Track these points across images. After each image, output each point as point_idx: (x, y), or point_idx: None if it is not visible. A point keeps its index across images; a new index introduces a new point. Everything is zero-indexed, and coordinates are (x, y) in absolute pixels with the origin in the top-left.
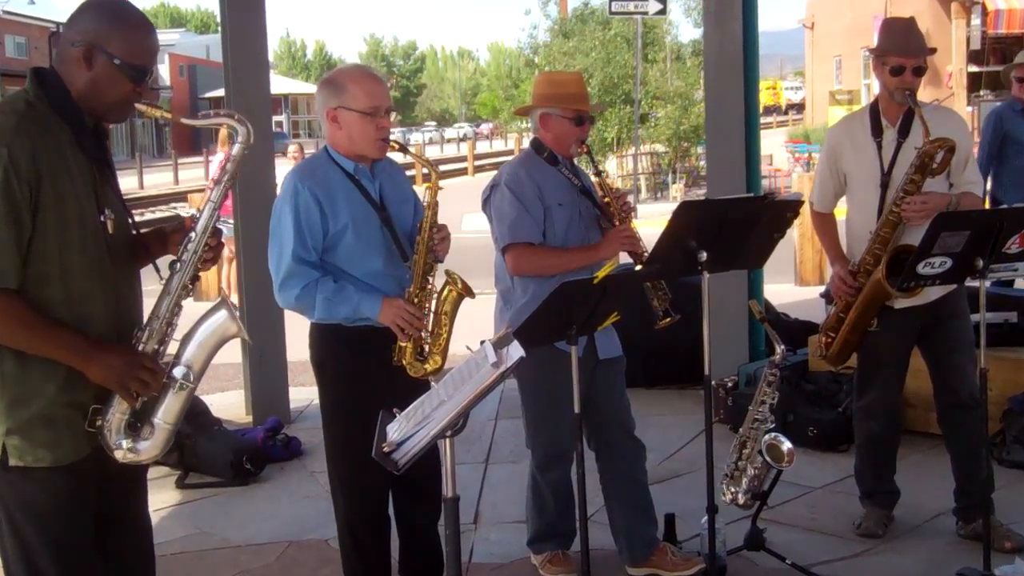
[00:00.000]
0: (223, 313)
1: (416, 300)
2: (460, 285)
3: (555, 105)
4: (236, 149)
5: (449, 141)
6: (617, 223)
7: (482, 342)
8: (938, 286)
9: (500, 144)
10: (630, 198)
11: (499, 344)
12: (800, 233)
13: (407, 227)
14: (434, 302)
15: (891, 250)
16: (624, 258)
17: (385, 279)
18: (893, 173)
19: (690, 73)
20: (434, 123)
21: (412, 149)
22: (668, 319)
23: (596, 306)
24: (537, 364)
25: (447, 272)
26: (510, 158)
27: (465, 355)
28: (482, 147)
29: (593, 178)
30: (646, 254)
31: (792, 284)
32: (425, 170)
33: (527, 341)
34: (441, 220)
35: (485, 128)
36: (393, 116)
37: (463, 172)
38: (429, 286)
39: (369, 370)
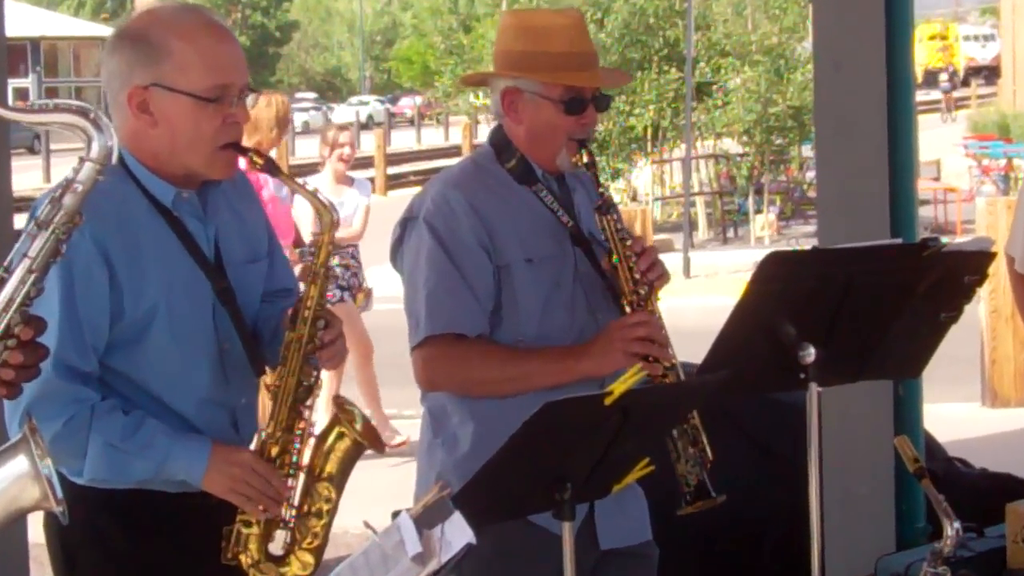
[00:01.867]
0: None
1: (275, 452)
2: (360, 427)
3: (530, 74)
4: (84, 172)
5: (342, 129)
6: (627, 308)
7: (395, 514)
8: None
9: (437, 135)
10: (676, 241)
11: (426, 518)
12: (992, 311)
13: (255, 305)
14: (308, 454)
15: None
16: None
17: (214, 410)
18: None
19: (789, 9)
20: (313, 95)
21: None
22: (699, 503)
23: (610, 447)
24: (495, 556)
25: (338, 401)
26: (451, 164)
27: (365, 537)
28: (403, 141)
29: (596, 217)
30: (675, 368)
31: (979, 405)
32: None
33: (479, 514)
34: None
35: (408, 105)
36: (252, 99)
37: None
38: (301, 425)
39: (167, 570)
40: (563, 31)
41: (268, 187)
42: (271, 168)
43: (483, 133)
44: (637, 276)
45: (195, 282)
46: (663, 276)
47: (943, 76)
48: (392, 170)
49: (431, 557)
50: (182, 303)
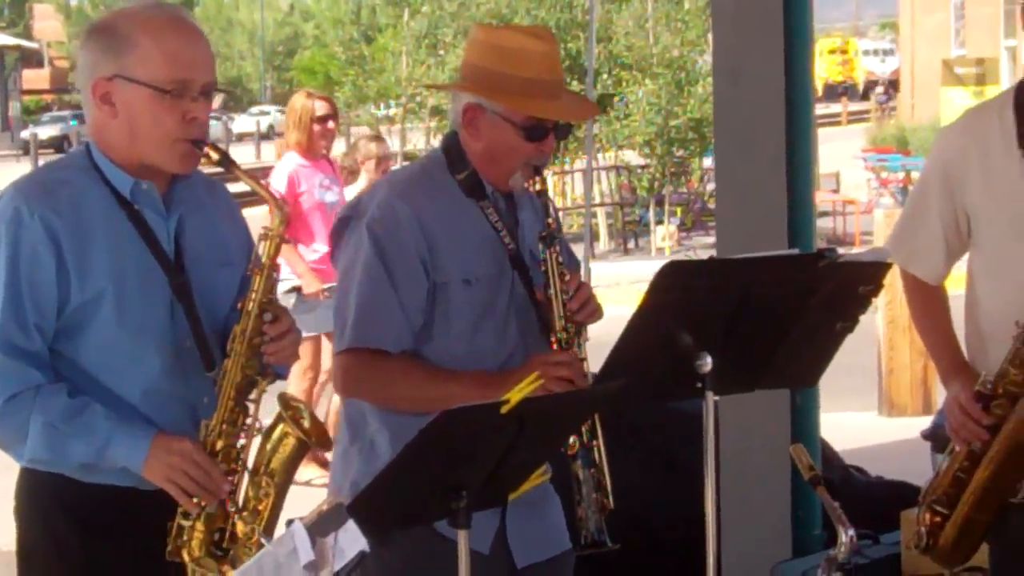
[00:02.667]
0: None
1: (220, 445)
2: (308, 422)
3: (495, 96)
4: None
5: (242, 138)
6: (553, 343)
7: (289, 523)
8: None
9: (339, 146)
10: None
11: (320, 527)
12: (889, 321)
13: (224, 309)
14: (255, 450)
15: None
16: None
17: (165, 400)
18: None
19: (691, 22)
20: (215, 104)
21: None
22: (593, 549)
23: (507, 455)
24: (402, 566)
25: (284, 399)
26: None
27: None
28: None
29: (540, 246)
30: None
31: (876, 414)
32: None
33: (374, 522)
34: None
35: None
36: (219, 100)
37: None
38: (246, 420)
39: (116, 568)
40: (535, 56)
41: (312, 195)
42: (226, 162)
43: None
44: (568, 313)
45: (149, 274)
46: (594, 315)
47: (878, 89)
48: None
49: (324, 566)
50: (133, 292)
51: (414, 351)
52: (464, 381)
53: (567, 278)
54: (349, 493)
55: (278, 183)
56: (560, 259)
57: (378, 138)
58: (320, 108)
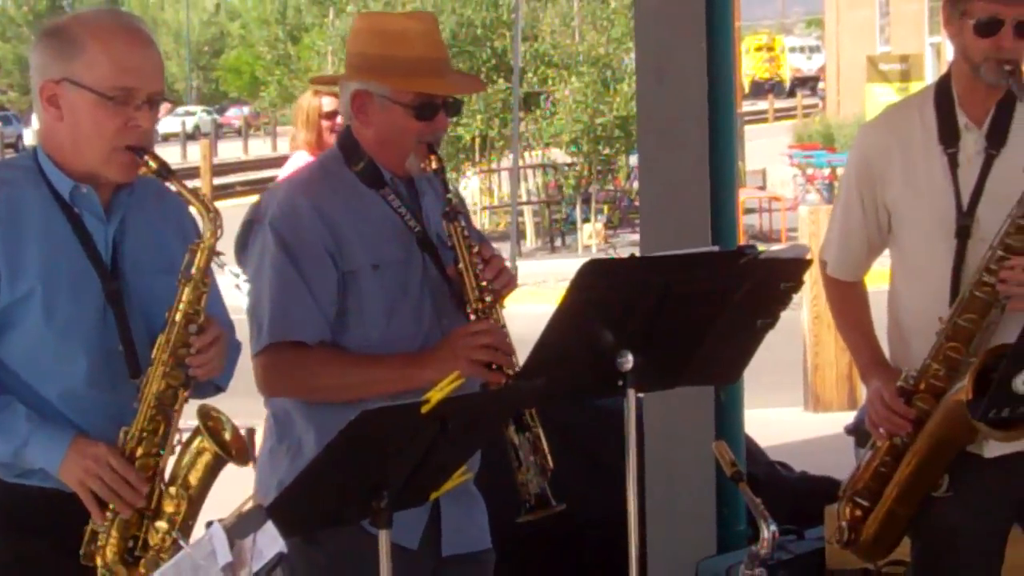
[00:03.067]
0: None
1: (139, 452)
2: (230, 435)
3: (381, 78)
4: None
5: (168, 139)
6: (472, 315)
7: (208, 524)
8: None
9: (265, 146)
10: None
11: (239, 528)
12: (814, 317)
13: (160, 317)
14: (173, 459)
15: (983, 354)
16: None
17: (90, 404)
18: (979, 212)
19: (617, 20)
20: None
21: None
22: (540, 510)
23: (428, 455)
24: (329, 563)
25: (203, 411)
26: (289, 171)
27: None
28: (230, 151)
29: (444, 223)
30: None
31: (802, 409)
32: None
33: (293, 523)
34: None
35: (236, 116)
36: (165, 109)
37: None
38: (166, 429)
39: (36, 567)
40: (417, 36)
41: None
42: (164, 171)
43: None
44: (483, 283)
45: (83, 277)
46: (509, 283)
47: (821, 84)
48: (219, 180)
49: (241, 567)
50: (63, 294)
51: (332, 342)
52: (386, 363)
53: (475, 250)
54: (276, 493)
55: None
56: (466, 232)
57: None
58: (328, 104)
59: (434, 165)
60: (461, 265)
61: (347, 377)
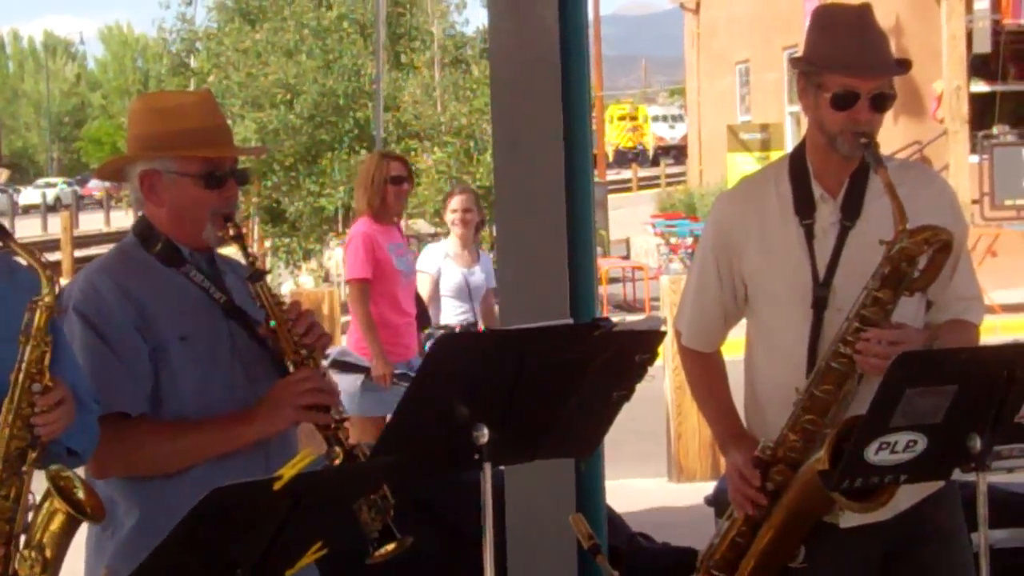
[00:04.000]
0: None
1: None
2: (83, 493)
3: (166, 152)
4: None
5: (28, 211)
6: (291, 367)
7: None
8: (907, 483)
9: (126, 219)
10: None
11: None
12: (677, 386)
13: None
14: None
15: (839, 424)
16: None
17: None
18: (835, 283)
19: (479, 91)
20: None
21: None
22: (390, 546)
23: (281, 532)
24: None
25: (51, 474)
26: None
27: None
28: (91, 223)
29: (249, 286)
30: (343, 421)
31: (665, 479)
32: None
33: None
34: None
35: (97, 187)
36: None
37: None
38: (17, 492)
39: None
40: (194, 108)
41: (392, 262)
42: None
43: None
44: (296, 336)
45: None
46: (322, 338)
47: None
48: (79, 253)
49: None
50: None
51: (153, 415)
52: (212, 424)
53: (285, 307)
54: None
55: (355, 252)
56: (272, 292)
57: (464, 191)
58: (395, 168)
59: (231, 232)
60: (273, 323)
61: (177, 443)
